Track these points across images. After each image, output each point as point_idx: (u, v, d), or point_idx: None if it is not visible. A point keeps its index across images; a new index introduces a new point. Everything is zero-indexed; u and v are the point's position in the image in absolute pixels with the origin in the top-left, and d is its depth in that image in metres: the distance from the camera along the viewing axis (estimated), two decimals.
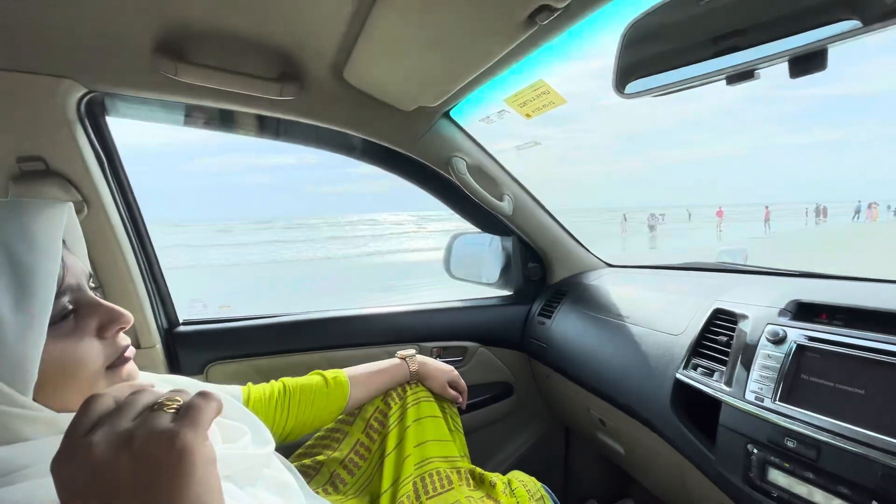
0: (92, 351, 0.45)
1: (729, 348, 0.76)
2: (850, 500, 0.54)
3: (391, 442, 0.88)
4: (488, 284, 1.58)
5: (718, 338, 0.80)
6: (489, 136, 1.18)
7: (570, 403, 1.26)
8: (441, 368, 1.00)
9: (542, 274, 1.45)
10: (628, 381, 0.94)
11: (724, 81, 0.43)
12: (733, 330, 0.78)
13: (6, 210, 0.42)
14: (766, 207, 29.10)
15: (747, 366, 0.71)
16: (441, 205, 1.35)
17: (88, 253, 0.94)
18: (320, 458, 0.89)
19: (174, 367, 1.09)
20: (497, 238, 1.50)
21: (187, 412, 0.31)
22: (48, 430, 0.40)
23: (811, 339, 0.65)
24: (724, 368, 0.75)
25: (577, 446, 1.48)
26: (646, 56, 0.47)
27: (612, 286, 1.22)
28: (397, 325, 1.29)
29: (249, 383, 0.81)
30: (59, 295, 0.43)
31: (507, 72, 0.87)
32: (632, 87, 0.49)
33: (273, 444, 0.66)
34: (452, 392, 1.01)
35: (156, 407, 0.31)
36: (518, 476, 0.92)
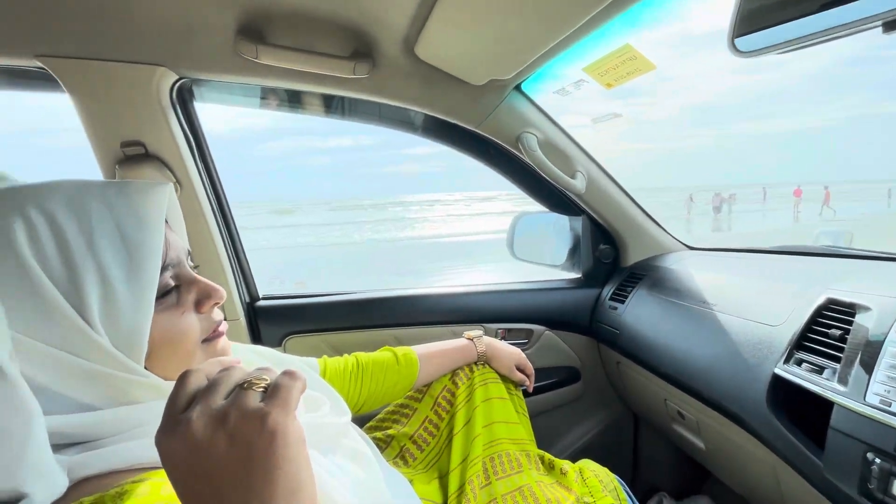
0: (192, 324, 0.48)
1: (844, 343, 0.67)
2: None
3: (459, 421, 0.89)
4: (554, 266, 1.53)
5: (830, 331, 0.71)
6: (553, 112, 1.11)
7: (643, 392, 1.20)
8: (508, 350, 0.98)
9: (614, 256, 1.37)
10: (716, 374, 0.87)
11: (880, 29, 0.35)
12: (850, 323, 0.69)
13: (117, 190, 0.45)
14: (826, 188, 24.70)
15: (869, 364, 0.62)
16: (498, 186, 1.31)
17: None
18: (391, 431, 0.92)
19: (256, 339, 1.16)
20: (564, 218, 1.44)
21: (276, 392, 0.31)
22: (157, 394, 0.43)
23: None
24: (836, 366, 0.66)
25: (648, 436, 1.41)
26: (774, 3, 0.40)
27: (695, 270, 1.12)
28: (463, 306, 1.29)
29: (325, 356, 0.84)
30: (163, 270, 0.46)
31: (587, 38, 0.80)
32: (750, 42, 0.42)
33: (349, 415, 0.68)
34: (519, 374, 0.99)
35: (245, 385, 0.31)
36: (590, 465, 0.89)
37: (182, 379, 0.32)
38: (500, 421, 0.91)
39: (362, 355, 0.88)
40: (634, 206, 1.28)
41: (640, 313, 1.16)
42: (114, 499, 0.35)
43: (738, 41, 0.42)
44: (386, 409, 0.96)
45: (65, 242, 0.40)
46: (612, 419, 1.41)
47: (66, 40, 0.74)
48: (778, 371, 0.74)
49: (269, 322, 1.17)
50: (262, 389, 0.31)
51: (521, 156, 1.12)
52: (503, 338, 1.31)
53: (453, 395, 0.93)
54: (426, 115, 1.06)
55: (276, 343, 1.17)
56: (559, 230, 1.52)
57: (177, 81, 0.86)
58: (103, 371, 0.41)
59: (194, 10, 0.73)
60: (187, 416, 0.29)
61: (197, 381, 0.32)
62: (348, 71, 0.84)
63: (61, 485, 0.37)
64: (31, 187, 0.43)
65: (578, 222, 1.39)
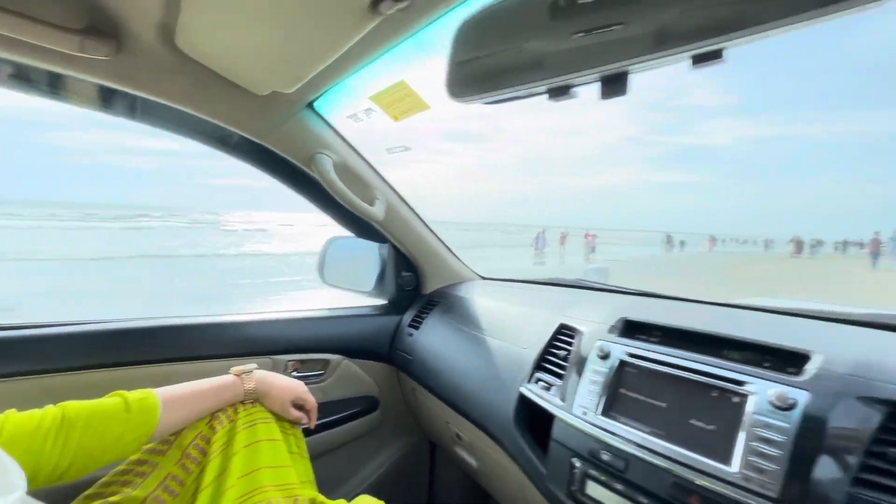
0: None
1: (567, 363, 0.79)
2: None
3: (210, 473, 0.76)
4: (363, 293, 1.51)
5: (559, 352, 0.82)
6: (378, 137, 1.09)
7: (432, 417, 1.23)
8: (283, 385, 0.89)
9: (415, 283, 1.42)
10: (480, 395, 0.93)
11: (546, 95, 0.42)
12: (571, 345, 0.81)
13: None
14: (588, 234, 25.43)
15: (577, 380, 0.73)
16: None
17: None
18: (114, 499, 0.73)
19: None
20: (375, 244, 1.44)
21: None
22: None
23: (631, 355, 0.69)
24: (560, 382, 0.77)
25: (443, 462, 1.46)
26: (477, 60, 0.45)
27: (479, 298, 1.22)
28: (247, 336, 1.15)
29: (10, 410, 0.63)
30: None
31: (371, 66, 0.81)
32: (463, 90, 0.46)
33: (22, 489, 0.51)
34: (295, 412, 0.91)
35: None
36: (367, 501, 0.86)
37: None
38: (266, 467, 0.81)
39: (73, 405, 0.69)
40: (432, 236, 1.35)
41: (431, 339, 1.20)
42: None
43: (450, 87, 0.46)
44: (115, 470, 0.77)
45: None
46: (409, 447, 1.42)
47: None
48: (522, 390, 0.82)
49: None
50: None
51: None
52: (295, 370, 1.21)
53: (209, 441, 0.80)
54: (207, 120, 0.93)
55: None
56: (370, 256, 1.51)
57: None
58: None
59: None
60: None
61: None
62: (75, 47, 0.68)
63: None
64: None
65: (386, 249, 1.41)
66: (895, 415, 0.47)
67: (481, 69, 0.46)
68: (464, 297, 1.26)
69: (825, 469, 0.47)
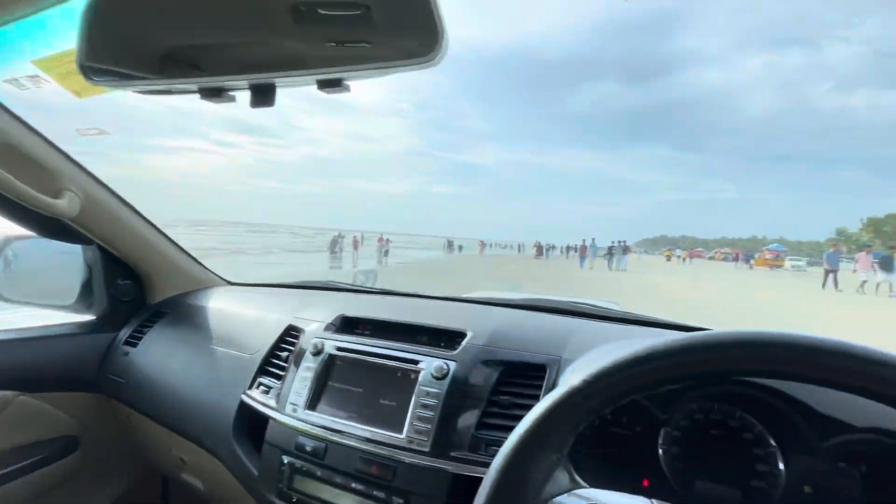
0: None
1: (288, 363, 0.79)
2: (342, 487, 0.63)
3: None
4: (60, 308, 1.20)
5: (283, 354, 0.82)
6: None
7: (154, 445, 1.06)
8: None
9: (136, 293, 1.20)
10: (199, 410, 0.85)
11: (198, 95, 0.42)
12: (295, 345, 0.82)
13: None
14: (381, 238, 22.76)
15: (293, 379, 0.75)
16: None
17: None
18: None
19: None
20: (77, 246, 1.16)
21: None
22: None
23: (340, 348, 0.74)
24: (279, 384, 0.77)
25: (177, 494, 1.28)
26: (115, 42, 0.41)
27: (217, 305, 1.12)
28: None
29: None
30: None
31: (33, 22, 0.65)
32: (101, 75, 0.41)
33: None
34: None
35: None
36: None
37: None
38: None
39: None
40: (161, 237, 1.17)
41: (150, 356, 1.04)
42: None
43: (87, 67, 0.41)
44: None
45: None
46: (129, 486, 1.19)
47: None
48: (243, 397, 0.79)
49: None
50: None
51: None
52: None
53: None
54: None
55: None
56: (68, 261, 1.21)
57: None
58: None
59: None
60: None
61: None
62: None
63: None
64: None
65: (91, 252, 1.15)
66: (505, 372, 0.64)
67: (120, 52, 0.42)
68: (200, 305, 1.13)
69: (462, 421, 0.61)
